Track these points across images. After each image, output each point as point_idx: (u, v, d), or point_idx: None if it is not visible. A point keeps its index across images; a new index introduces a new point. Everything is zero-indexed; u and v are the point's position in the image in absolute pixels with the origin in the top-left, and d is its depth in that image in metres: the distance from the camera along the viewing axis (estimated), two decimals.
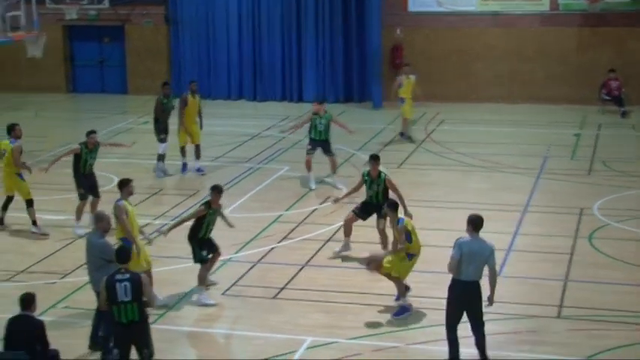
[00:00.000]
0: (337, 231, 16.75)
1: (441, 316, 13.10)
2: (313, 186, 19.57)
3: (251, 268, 15.25)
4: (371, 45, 28.62)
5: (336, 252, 15.74)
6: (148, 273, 13.38)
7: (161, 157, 20.82)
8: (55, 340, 11.22)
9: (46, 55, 26.51)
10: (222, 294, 14.17)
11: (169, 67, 30.70)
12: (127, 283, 10.80)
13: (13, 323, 11.02)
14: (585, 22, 28.06)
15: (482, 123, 26.07)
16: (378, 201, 15.34)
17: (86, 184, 17.24)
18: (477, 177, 20.56)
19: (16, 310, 11.08)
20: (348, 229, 15.79)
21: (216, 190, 14.06)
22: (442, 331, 12.68)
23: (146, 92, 30.25)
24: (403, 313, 13.31)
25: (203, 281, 13.90)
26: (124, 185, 13.82)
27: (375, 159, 15.65)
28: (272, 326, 13.05)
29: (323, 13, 29.18)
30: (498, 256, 15.29)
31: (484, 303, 11.70)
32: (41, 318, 11.43)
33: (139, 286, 10.86)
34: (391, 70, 29.08)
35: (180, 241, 16.41)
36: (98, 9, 29.90)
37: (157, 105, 20.90)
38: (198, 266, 13.95)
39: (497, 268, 14.82)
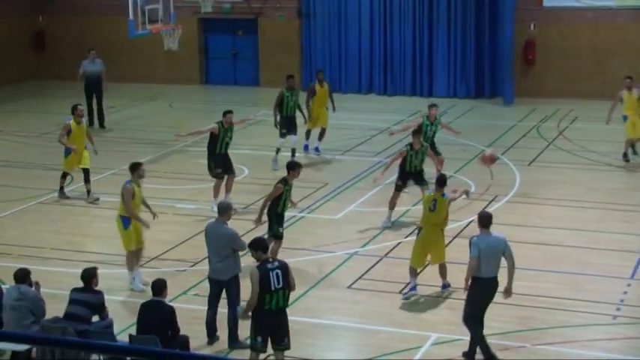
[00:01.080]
0: (466, 226, 16.59)
1: (570, 317, 12.92)
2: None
3: (377, 262, 15.28)
4: (503, 40, 28.24)
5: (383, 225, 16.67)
6: (138, 254, 14.23)
7: (278, 151, 21.01)
8: (185, 326, 11.48)
9: (181, 47, 27.12)
10: (348, 287, 14.24)
11: (301, 60, 30.98)
12: (279, 271, 11.00)
13: (146, 308, 11.35)
14: None
15: (616, 121, 25.39)
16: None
17: (221, 163, 17.83)
18: (610, 176, 20.07)
19: (148, 295, 11.39)
20: (392, 204, 16.88)
21: (297, 167, 14.84)
22: (571, 333, 12.50)
23: (278, 85, 30.48)
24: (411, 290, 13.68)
25: (276, 254, 13.89)
26: (135, 169, 14.51)
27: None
28: (397, 321, 13.06)
29: (455, 6, 28.94)
30: (630, 258, 15.04)
31: (500, 295, 11.89)
32: (172, 304, 11.71)
33: (288, 272, 11.09)
34: (524, 65, 28.65)
35: (310, 232, 16.59)
36: (233, 2, 30.43)
37: (278, 98, 21.16)
38: (320, 259, 14.04)
39: (630, 270, 14.56)
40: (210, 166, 18.01)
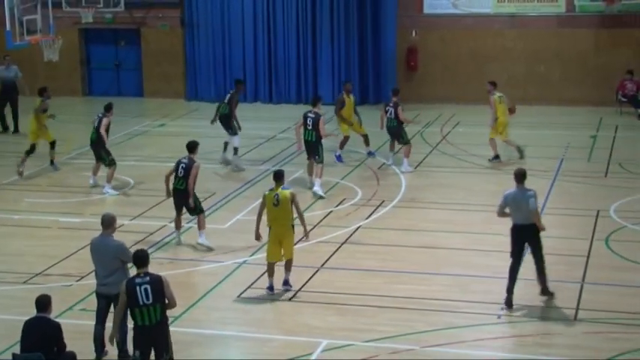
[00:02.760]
0: (353, 233, 16.76)
1: (457, 319, 13.19)
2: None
3: (266, 270, 15.24)
4: (386, 47, 28.62)
5: None
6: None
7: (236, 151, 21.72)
8: (71, 342, 11.25)
9: (62, 58, 26.60)
10: (238, 296, 14.18)
11: (185, 69, 30.75)
12: (147, 286, 10.81)
13: (30, 325, 11.06)
14: (602, 23, 27.97)
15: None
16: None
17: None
18: (493, 179, 20.51)
19: (32, 312, 11.12)
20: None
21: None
22: (458, 334, 12.74)
23: (161, 95, 30.37)
24: None
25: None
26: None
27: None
28: (288, 328, 13.07)
29: (338, 14, 29.17)
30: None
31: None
32: (58, 320, 11.45)
33: (160, 288, 10.87)
34: (407, 71, 29.08)
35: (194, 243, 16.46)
36: (114, 12, 30.00)
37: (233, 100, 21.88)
38: (209, 269, 13.93)
39: None
40: (101, 155, 19.64)
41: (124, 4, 29.17)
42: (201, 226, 16.26)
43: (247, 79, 30.08)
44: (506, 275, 13.68)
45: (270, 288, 14.14)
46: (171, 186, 16.19)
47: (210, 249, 16.09)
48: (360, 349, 12.32)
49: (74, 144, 23.66)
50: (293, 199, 14.09)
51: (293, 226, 14.22)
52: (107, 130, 19.66)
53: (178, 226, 16.55)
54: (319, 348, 12.41)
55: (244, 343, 12.90)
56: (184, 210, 16.28)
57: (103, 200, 19.23)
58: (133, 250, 11.80)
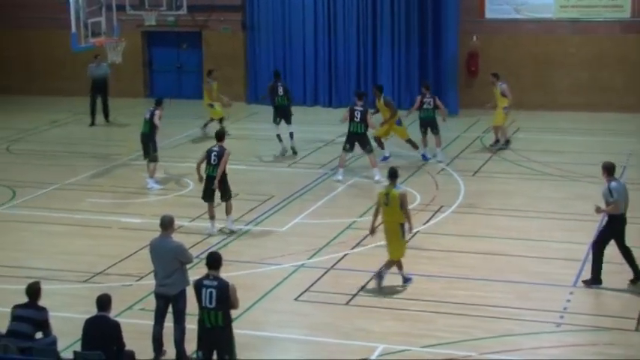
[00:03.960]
0: (411, 238, 16.68)
1: (515, 326, 13.09)
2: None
3: (324, 274, 15.28)
4: (447, 52, 28.47)
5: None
6: None
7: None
8: (130, 342, 11.38)
9: (125, 60, 26.94)
10: (295, 299, 14.23)
11: (246, 73, 30.92)
12: (213, 290, 10.88)
13: (90, 324, 11.22)
14: None
15: (559, 131, 25.74)
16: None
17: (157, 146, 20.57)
18: (553, 186, 20.31)
19: (93, 311, 11.28)
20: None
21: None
22: (516, 341, 12.65)
23: None
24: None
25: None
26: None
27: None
28: (345, 333, 13.07)
29: (399, 18, 29.09)
30: (573, 266, 15.24)
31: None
32: (117, 319, 11.60)
33: (226, 295, 10.92)
34: (467, 77, 28.92)
35: (256, 245, 16.59)
36: (176, 15, 30.29)
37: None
38: (268, 271, 13.96)
39: (573, 278, 14.79)
40: (148, 149, 20.27)
41: (187, 8, 29.46)
42: (229, 211, 17.10)
43: (307, 83, 30.16)
44: (565, 283, 13.53)
45: (406, 279, 14.54)
46: (203, 174, 17.02)
47: (233, 232, 17.06)
48: (416, 355, 12.28)
49: (136, 145, 23.88)
50: (402, 199, 14.15)
51: (402, 226, 14.27)
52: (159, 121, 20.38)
53: (212, 216, 17.12)
54: (376, 352, 12.40)
55: (301, 346, 12.94)
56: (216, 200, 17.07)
57: (163, 202, 19.41)
58: (192, 251, 11.91)
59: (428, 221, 17.83)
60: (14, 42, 32.22)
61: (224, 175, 16.96)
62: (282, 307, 14.02)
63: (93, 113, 27.49)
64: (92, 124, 27.40)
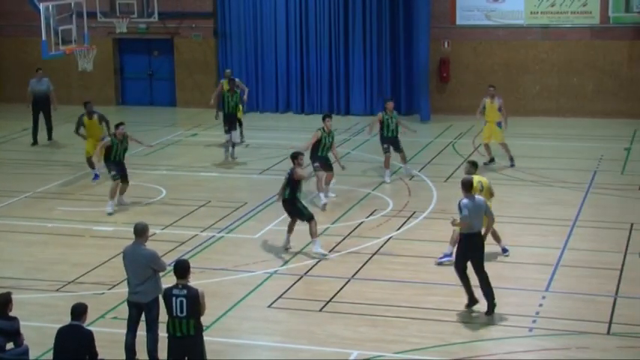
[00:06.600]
0: (384, 244, 16.74)
1: (488, 331, 13.12)
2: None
3: (297, 280, 15.27)
4: (418, 58, 28.57)
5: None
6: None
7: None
8: (102, 350, 11.30)
9: (96, 68, 26.81)
10: (269, 306, 14.20)
11: (217, 80, 30.88)
12: (183, 299, 10.85)
13: (63, 333, 11.12)
14: (636, 35, 27.77)
15: (530, 137, 25.89)
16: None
17: (115, 168, 19.21)
18: (525, 191, 20.41)
19: (65, 320, 11.20)
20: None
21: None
22: (489, 347, 12.68)
23: (194, 105, 30.51)
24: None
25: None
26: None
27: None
28: (318, 339, 13.05)
29: (370, 25, 29.18)
30: (546, 271, 15.32)
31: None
32: (90, 328, 11.52)
33: (197, 303, 10.89)
34: (439, 83, 29.04)
35: (229, 252, 16.52)
36: (148, 22, 30.21)
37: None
38: (240, 278, 13.96)
39: (545, 283, 14.87)
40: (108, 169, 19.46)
41: (158, 15, 29.42)
42: (313, 234, 16.40)
43: (279, 89, 30.18)
44: (538, 288, 13.59)
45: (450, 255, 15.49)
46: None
47: (324, 255, 16.29)
48: None
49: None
50: (489, 187, 15.67)
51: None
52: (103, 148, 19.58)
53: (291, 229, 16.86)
54: (350, 359, 12.39)
55: (275, 353, 12.91)
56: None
57: (136, 209, 19.32)
58: (164, 258, 11.85)
59: (401, 227, 17.87)
60: None
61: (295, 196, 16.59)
62: (255, 314, 13.99)
63: (35, 132, 26.01)
64: (34, 143, 25.87)
